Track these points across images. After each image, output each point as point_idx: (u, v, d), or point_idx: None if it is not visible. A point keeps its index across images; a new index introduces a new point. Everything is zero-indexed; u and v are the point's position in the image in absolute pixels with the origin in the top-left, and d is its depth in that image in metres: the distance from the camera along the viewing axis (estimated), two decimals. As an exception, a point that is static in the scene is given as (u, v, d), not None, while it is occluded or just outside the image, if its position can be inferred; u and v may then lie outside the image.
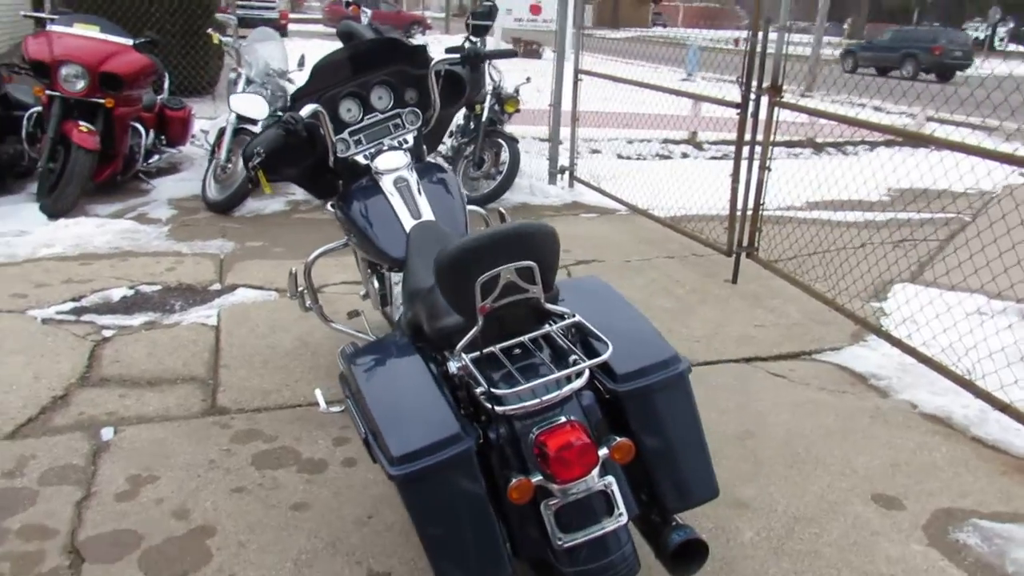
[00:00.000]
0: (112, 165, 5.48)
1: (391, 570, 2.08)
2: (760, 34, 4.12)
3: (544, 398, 1.67)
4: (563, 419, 1.68)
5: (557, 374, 1.67)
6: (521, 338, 1.75)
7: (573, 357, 1.76)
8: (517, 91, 6.54)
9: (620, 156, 8.51)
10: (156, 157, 6.05)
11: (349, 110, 2.67)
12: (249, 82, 5.61)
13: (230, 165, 5.38)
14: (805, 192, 5.51)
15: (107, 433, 2.64)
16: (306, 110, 2.45)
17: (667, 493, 1.79)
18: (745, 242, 4.43)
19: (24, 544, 2.11)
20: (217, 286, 4.00)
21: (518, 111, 6.28)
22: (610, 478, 1.70)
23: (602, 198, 6.06)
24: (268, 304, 3.77)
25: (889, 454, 2.75)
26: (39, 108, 5.19)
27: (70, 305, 3.66)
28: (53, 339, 3.30)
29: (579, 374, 1.73)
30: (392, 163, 2.59)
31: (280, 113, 2.57)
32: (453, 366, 1.80)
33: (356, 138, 2.68)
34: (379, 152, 2.64)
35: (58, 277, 3.98)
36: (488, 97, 6.11)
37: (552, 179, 6.59)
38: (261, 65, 5.69)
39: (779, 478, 2.58)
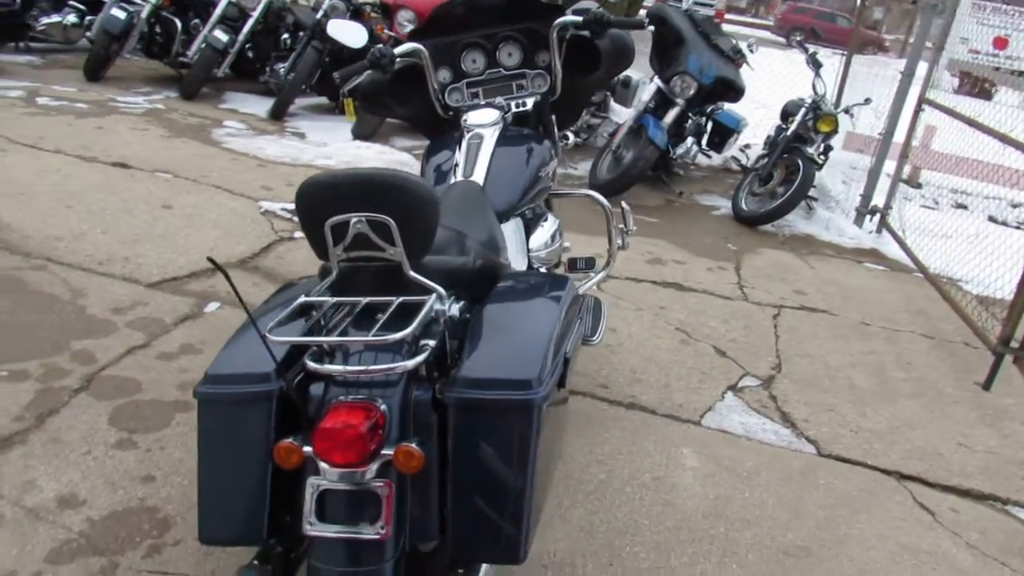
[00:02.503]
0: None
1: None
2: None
3: (350, 368, 1.47)
4: (376, 401, 1.47)
5: (360, 337, 1.43)
6: (359, 299, 1.54)
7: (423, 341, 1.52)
8: (848, 111, 5.74)
9: (993, 219, 6.99)
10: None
11: (475, 61, 2.58)
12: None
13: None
14: None
15: (211, 307, 2.98)
16: (401, 48, 2.42)
17: (455, 533, 1.47)
18: (1018, 342, 3.36)
19: (68, 361, 2.50)
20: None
21: (835, 132, 5.50)
22: (383, 483, 1.44)
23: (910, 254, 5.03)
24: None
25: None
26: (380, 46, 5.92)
27: (293, 206, 4.17)
28: (254, 226, 3.80)
29: (414, 356, 1.48)
30: (481, 119, 2.45)
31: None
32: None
33: (473, 91, 2.59)
34: (476, 106, 2.52)
35: (276, 179, 4.56)
36: (803, 111, 5.45)
37: (860, 219, 5.66)
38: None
39: (786, 617, 1.95)
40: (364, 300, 1.54)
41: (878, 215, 5.52)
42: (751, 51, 5.82)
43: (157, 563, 1.79)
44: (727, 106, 6.32)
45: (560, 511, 2.19)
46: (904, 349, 3.66)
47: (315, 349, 1.53)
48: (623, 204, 2.81)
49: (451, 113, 2.56)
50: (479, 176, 2.27)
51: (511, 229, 2.28)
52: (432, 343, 1.53)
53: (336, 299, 1.55)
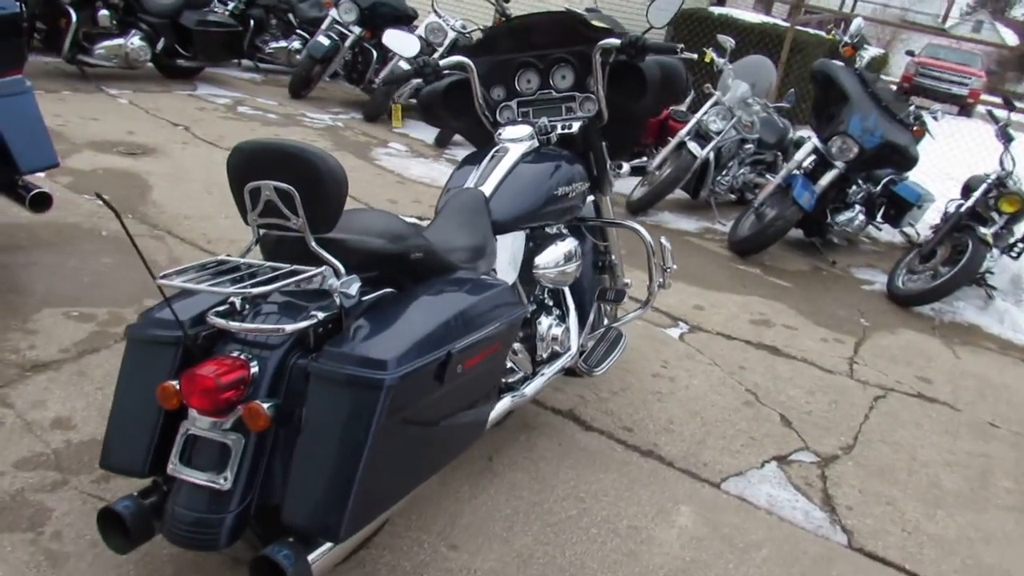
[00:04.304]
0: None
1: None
2: None
3: (233, 324, 1.55)
4: (247, 357, 1.53)
5: (226, 289, 1.49)
6: (262, 263, 1.61)
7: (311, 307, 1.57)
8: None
9: None
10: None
11: (529, 81, 2.61)
12: (716, 104, 5.59)
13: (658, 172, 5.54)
14: None
15: (282, 292, 3.22)
16: (447, 60, 2.51)
17: (287, 498, 1.47)
18: None
19: (132, 313, 2.79)
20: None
21: (1022, 214, 4.83)
22: (236, 437, 1.49)
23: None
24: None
25: None
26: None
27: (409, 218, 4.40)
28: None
29: (293, 320, 1.53)
30: (512, 134, 2.47)
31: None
32: None
33: (524, 110, 2.62)
34: (514, 122, 2.54)
35: (406, 194, 4.79)
36: (984, 187, 4.86)
37: (1048, 316, 4.89)
38: (739, 93, 5.58)
39: None
40: (267, 264, 1.62)
41: (1069, 314, 4.74)
42: (935, 119, 5.29)
43: (100, 488, 1.96)
44: (911, 177, 5.80)
45: (507, 534, 2.10)
46: (1021, 455, 3.10)
47: (226, 306, 1.63)
48: (662, 240, 2.68)
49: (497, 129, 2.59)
50: (489, 187, 2.28)
51: (508, 241, 2.26)
52: (321, 315, 1.57)
53: (245, 260, 1.65)
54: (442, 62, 2.49)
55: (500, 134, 2.48)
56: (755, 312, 4.12)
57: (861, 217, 5.59)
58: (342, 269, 1.59)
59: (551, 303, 2.52)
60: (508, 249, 2.26)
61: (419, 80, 2.58)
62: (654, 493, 2.40)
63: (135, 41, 5.90)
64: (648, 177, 5.64)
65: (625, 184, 6.06)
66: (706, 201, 5.92)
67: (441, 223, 2.18)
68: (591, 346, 2.67)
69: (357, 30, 6.81)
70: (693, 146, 5.41)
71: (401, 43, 2.66)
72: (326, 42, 6.68)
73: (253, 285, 1.48)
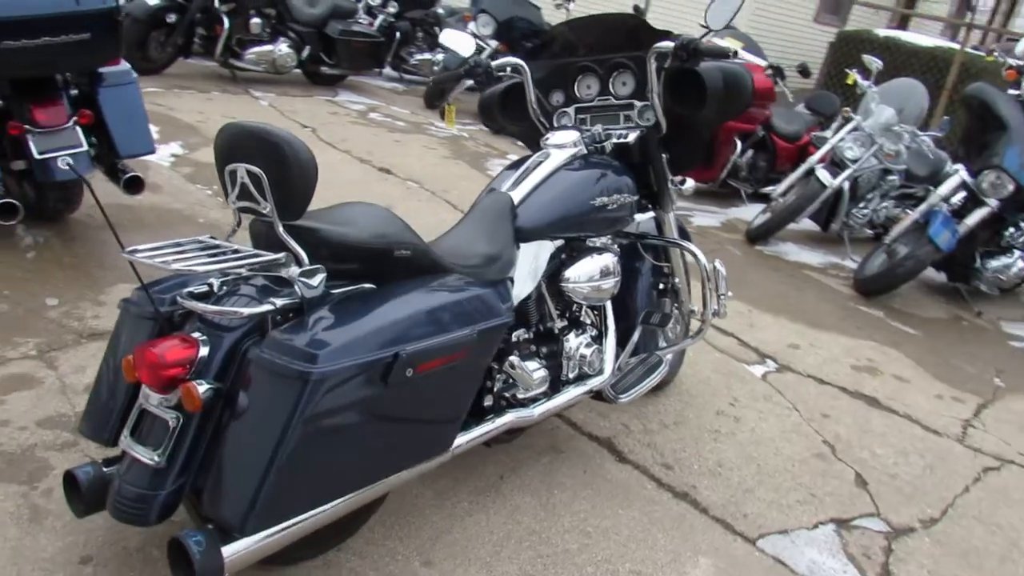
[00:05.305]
0: (710, 171, 5.83)
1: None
2: None
3: (190, 303, 1.54)
4: (202, 339, 1.52)
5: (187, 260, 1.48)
6: (234, 245, 1.60)
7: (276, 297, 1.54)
8: None
9: None
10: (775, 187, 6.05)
11: (589, 87, 2.50)
12: (855, 129, 5.15)
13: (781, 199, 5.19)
14: None
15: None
16: (499, 61, 2.44)
17: (207, 482, 1.43)
18: None
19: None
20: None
21: None
22: (174, 415, 1.48)
23: None
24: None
25: None
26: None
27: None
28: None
29: (251, 305, 1.52)
30: (558, 139, 2.36)
31: None
32: None
33: (582, 116, 2.51)
34: (564, 127, 2.43)
35: None
36: None
37: None
38: (883, 118, 5.11)
39: None
40: (244, 248, 1.61)
41: None
42: (1119, 157, 4.57)
43: (103, 452, 2.02)
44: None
45: (492, 558, 1.97)
46: None
47: (204, 287, 1.65)
48: (716, 264, 2.47)
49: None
50: (521, 192, 2.19)
51: (532, 250, 2.14)
52: (279, 302, 1.54)
53: (221, 242, 1.65)
54: (494, 63, 2.43)
55: (547, 139, 2.38)
56: (862, 358, 3.72)
57: (1020, 264, 4.93)
58: (304, 257, 1.56)
59: (588, 321, 2.38)
60: (530, 259, 2.14)
61: (471, 81, 2.53)
62: (673, 539, 2.18)
63: (283, 48, 6.28)
64: (772, 205, 5.29)
65: (750, 211, 5.74)
66: (838, 234, 5.46)
67: (460, 225, 2.11)
68: (627, 371, 2.49)
69: (493, 43, 6.90)
70: (823, 174, 5.01)
71: (457, 42, 2.62)
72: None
73: (209, 264, 1.47)
